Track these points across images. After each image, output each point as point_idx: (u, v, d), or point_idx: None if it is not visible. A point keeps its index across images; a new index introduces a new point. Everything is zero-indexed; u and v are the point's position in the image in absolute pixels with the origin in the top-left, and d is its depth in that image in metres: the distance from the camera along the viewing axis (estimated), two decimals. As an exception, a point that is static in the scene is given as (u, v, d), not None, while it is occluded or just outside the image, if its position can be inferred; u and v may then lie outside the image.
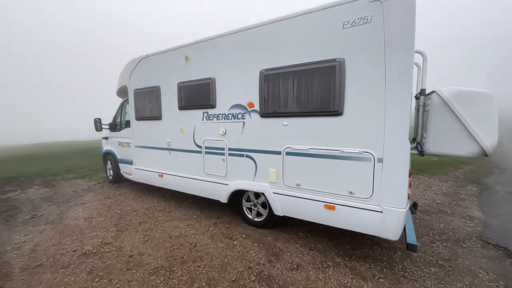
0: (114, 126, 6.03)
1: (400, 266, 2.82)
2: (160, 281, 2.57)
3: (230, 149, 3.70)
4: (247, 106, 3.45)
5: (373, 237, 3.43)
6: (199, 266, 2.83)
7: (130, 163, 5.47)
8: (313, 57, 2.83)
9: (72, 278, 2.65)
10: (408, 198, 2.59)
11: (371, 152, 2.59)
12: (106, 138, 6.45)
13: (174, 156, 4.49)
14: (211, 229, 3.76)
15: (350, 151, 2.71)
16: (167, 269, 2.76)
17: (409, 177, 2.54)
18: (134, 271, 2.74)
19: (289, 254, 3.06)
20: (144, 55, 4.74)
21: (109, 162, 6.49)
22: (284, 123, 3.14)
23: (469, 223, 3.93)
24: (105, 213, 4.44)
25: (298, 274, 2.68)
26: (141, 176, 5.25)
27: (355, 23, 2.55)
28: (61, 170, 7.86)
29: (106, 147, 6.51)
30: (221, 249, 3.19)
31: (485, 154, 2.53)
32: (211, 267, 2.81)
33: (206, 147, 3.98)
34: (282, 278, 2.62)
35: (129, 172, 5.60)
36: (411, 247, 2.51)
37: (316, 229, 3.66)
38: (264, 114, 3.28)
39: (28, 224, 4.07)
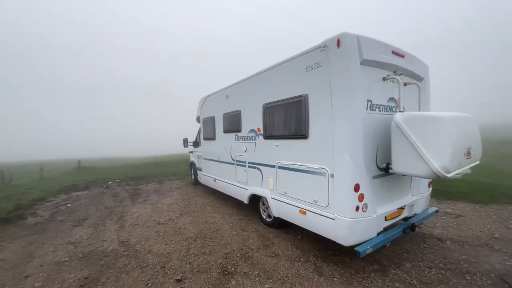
0: (196, 143, 8.46)
1: (365, 275, 3.08)
2: (185, 244, 4.06)
3: (249, 162, 4.90)
4: (256, 131, 4.59)
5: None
6: (211, 241, 4.14)
7: (201, 170, 7.59)
8: (290, 94, 3.69)
9: (147, 233, 4.58)
10: (358, 210, 2.93)
11: (326, 168, 3.15)
12: (192, 152, 9.03)
13: (221, 166, 6.12)
14: (235, 222, 5.00)
15: (313, 166, 3.35)
16: (193, 239, 4.24)
17: (356, 191, 2.91)
18: (176, 236, 4.38)
19: (276, 247, 3.86)
20: (207, 94, 6.77)
21: (192, 169, 9.02)
22: (276, 144, 4.08)
23: (509, 261, 3.30)
24: (180, 203, 6.57)
25: (270, 260, 3.49)
26: (205, 180, 7.23)
27: (313, 67, 3.29)
28: (169, 174, 11.33)
29: (191, 158, 9.09)
30: (233, 235, 4.37)
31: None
32: (218, 243, 4.06)
33: (237, 161, 5.35)
34: (257, 259, 3.52)
35: (200, 176, 7.75)
36: (355, 252, 2.84)
37: (314, 235, 4.19)
38: (266, 136, 4.33)
39: (141, 203, 6.70)
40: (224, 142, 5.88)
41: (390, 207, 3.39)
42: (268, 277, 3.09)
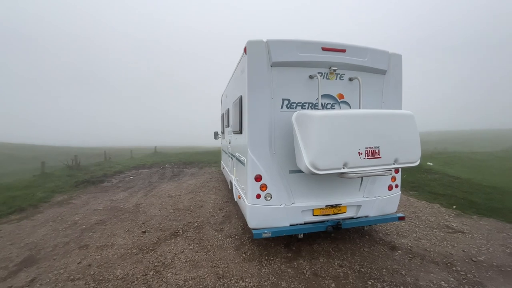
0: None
1: (271, 258, 3.43)
2: (171, 212, 5.31)
3: (230, 153, 5.67)
4: (232, 126, 5.30)
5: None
6: (190, 213, 5.23)
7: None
8: (237, 94, 4.23)
9: (155, 201, 6.14)
10: (259, 198, 3.28)
11: (246, 159, 3.61)
12: (223, 143, 10.40)
13: (225, 156, 7.10)
14: (220, 203, 5.92)
15: (242, 158, 3.85)
16: (179, 210, 5.45)
17: (258, 181, 3.27)
18: (170, 206, 5.71)
19: (227, 225, 4.56)
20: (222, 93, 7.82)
21: (222, 158, 10.41)
22: (235, 138, 4.70)
23: (446, 283, 2.86)
24: (198, 184, 8.00)
25: (213, 233, 4.26)
26: (222, 167, 8.40)
27: (243, 71, 3.74)
28: (213, 161, 13.20)
29: (223, 149, 10.48)
30: (208, 212, 5.31)
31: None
32: (191, 216, 5.10)
33: (228, 151, 6.20)
34: (204, 230, 4.36)
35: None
36: (252, 233, 3.25)
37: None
38: (233, 132, 4.99)
39: (173, 182, 8.55)
40: (227, 136, 6.81)
41: (314, 203, 3.50)
42: (198, 243, 3.90)
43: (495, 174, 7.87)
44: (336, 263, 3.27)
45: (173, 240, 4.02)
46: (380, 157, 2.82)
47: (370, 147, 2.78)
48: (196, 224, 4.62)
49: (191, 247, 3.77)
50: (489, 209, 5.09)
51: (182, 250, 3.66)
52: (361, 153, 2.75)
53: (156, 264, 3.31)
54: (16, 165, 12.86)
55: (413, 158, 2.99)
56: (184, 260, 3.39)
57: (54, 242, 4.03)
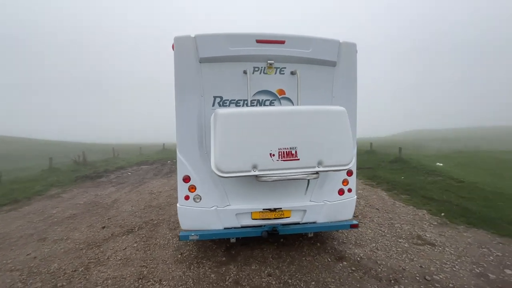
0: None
1: (203, 261, 3.33)
2: (141, 208, 5.46)
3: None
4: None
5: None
6: (158, 211, 5.33)
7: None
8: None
9: (134, 197, 6.35)
10: (188, 199, 3.18)
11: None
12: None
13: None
14: (193, 201, 5.94)
15: (185, 158, 3.76)
16: (150, 207, 5.57)
17: (186, 182, 3.18)
18: (144, 203, 5.87)
19: (185, 224, 4.54)
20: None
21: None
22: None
23: (373, 302, 2.54)
24: (185, 181, 8.12)
25: (164, 231, 4.29)
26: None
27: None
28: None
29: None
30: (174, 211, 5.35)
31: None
32: (157, 214, 5.18)
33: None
34: (158, 228, 4.41)
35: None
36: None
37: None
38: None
39: (164, 178, 8.81)
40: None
41: (252, 205, 3.32)
42: (144, 241, 3.95)
43: (510, 178, 6.80)
44: (266, 272, 3.07)
45: (124, 237, 4.11)
46: (298, 159, 2.56)
47: (285, 148, 2.53)
48: (155, 222, 4.68)
49: (135, 244, 3.82)
50: (482, 219, 4.41)
51: (124, 248, 3.73)
52: (273, 155, 2.51)
53: (91, 260, 3.40)
54: (41, 160, 14.23)
55: (343, 161, 2.67)
56: (120, 258, 3.44)
57: (22, 233, 4.36)
